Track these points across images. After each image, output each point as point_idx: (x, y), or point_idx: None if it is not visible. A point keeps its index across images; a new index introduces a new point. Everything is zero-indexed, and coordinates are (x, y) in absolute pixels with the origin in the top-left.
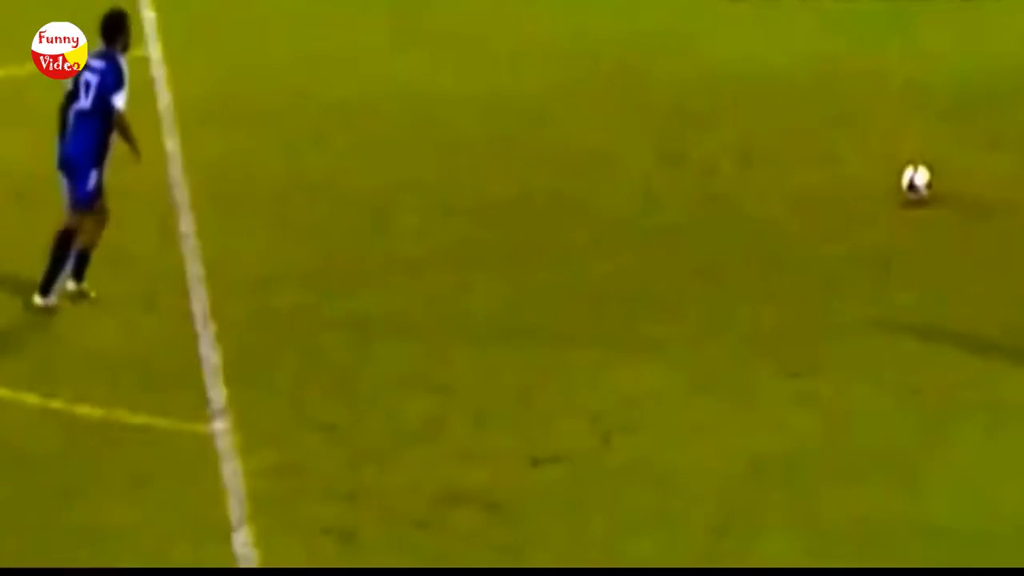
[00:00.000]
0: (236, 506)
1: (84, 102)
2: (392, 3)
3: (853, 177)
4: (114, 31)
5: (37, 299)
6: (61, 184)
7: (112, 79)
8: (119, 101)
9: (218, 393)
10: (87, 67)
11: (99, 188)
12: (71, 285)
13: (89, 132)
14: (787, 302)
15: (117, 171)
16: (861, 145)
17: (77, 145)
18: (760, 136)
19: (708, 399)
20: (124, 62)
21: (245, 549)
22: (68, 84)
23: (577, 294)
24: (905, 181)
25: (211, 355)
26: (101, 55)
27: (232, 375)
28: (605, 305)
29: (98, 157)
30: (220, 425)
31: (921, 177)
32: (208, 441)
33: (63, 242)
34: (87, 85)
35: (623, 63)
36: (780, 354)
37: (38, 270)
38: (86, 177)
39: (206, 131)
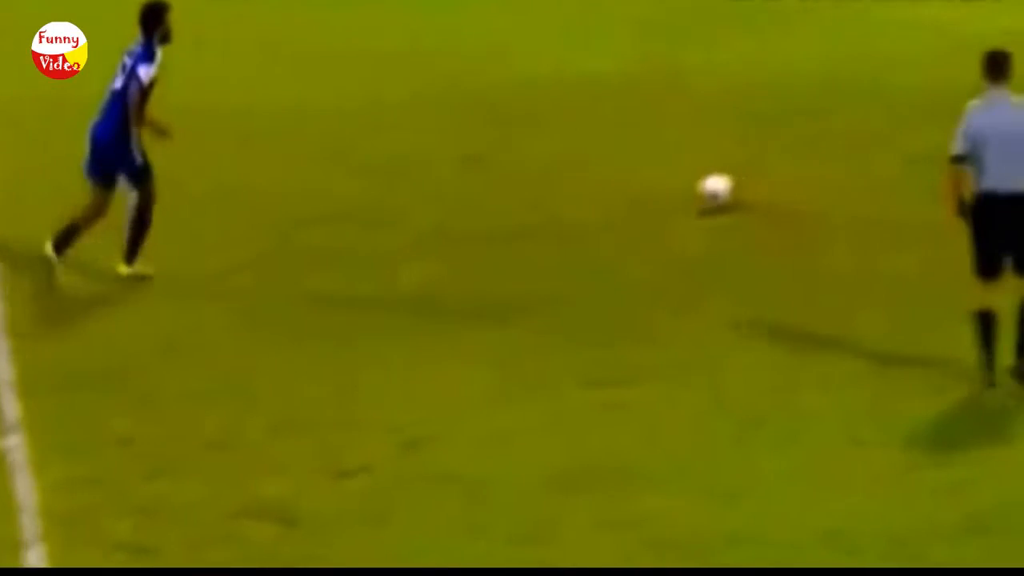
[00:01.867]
0: (30, 522)
1: (117, 82)
2: (220, 14)
3: (663, 183)
4: (151, 22)
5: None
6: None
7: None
8: (143, 72)
9: (12, 407)
10: (128, 51)
11: (146, 161)
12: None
13: (118, 111)
14: (596, 309)
15: None
16: (672, 150)
17: (105, 124)
18: (575, 141)
19: (515, 407)
20: (160, 52)
21: (39, 565)
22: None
23: (386, 301)
24: (707, 188)
25: (6, 369)
26: (141, 42)
27: (27, 389)
28: (414, 313)
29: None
30: (14, 439)
31: (722, 184)
32: (1, 456)
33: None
34: (124, 67)
35: (442, 72)
36: (589, 362)
37: None
38: (127, 155)
39: None
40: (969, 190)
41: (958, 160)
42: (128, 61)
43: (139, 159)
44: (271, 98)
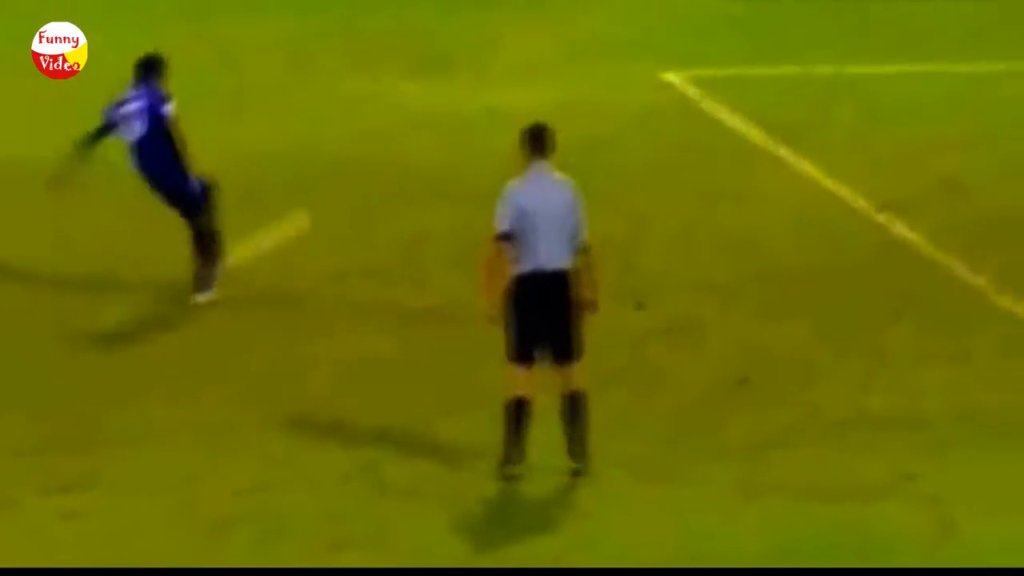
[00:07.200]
0: None
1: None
2: None
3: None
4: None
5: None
6: None
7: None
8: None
9: None
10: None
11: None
12: None
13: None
14: (53, 411)
15: None
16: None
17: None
18: None
19: None
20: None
21: None
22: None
23: None
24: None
25: None
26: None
27: None
28: None
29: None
30: None
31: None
32: None
33: None
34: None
35: None
36: (44, 468)
37: None
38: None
39: None
40: (509, 270)
41: (504, 238)
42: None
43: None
44: None
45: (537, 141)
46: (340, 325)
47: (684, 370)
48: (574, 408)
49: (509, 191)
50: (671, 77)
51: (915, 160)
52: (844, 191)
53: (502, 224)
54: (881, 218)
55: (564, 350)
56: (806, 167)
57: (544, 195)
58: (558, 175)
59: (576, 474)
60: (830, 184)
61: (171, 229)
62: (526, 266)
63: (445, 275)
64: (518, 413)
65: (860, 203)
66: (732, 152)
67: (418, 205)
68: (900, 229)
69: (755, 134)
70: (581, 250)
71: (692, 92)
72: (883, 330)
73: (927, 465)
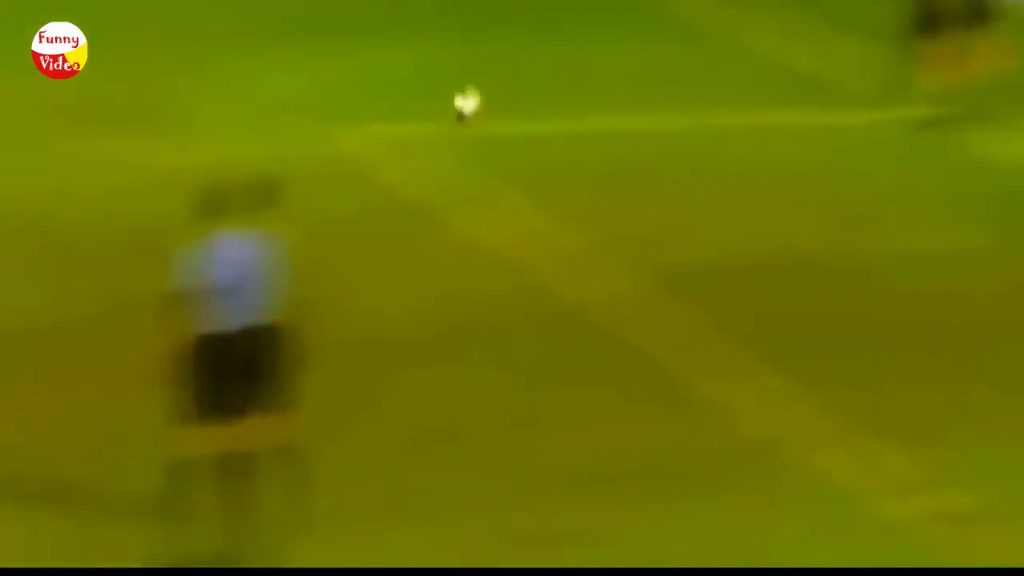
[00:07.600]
0: None
1: None
2: None
3: None
4: None
5: None
6: None
7: None
8: None
9: None
10: None
11: None
12: None
13: None
14: None
15: None
16: None
17: None
18: None
19: None
20: None
21: None
22: None
23: None
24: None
25: None
26: None
27: None
28: None
29: None
30: None
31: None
32: None
33: None
34: None
35: None
36: None
37: None
38: None
39: None
40: (190, 328)
41: (184, 298)
42: None
43: None
44: None
45: (216, 201)
46: (32, 387)
47: (371, 428)
48: (281, 464)
49: (193, 249)
50: (357, 134)
51: (599, 216)
52: (523, 248)
53: (183, 283)
54: (560, 274)
55: (263, 406)
56: (486, 224)
57: (232, 253)
58: (248, 232)
59: (271, 532)
60: (511, 242)
61: None
62: (214, 324)
63: (145, 335)
64: (198, 473)
65: (541, 261)
66: (410, 211)
67: (120, 264)
68: (585, 286)
69: (435, 193)
70: (274, 306)
71: (374, 151)
72: (571, 386)
73: (617, 515)
